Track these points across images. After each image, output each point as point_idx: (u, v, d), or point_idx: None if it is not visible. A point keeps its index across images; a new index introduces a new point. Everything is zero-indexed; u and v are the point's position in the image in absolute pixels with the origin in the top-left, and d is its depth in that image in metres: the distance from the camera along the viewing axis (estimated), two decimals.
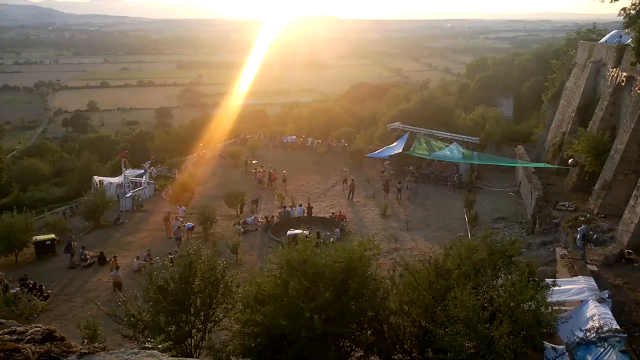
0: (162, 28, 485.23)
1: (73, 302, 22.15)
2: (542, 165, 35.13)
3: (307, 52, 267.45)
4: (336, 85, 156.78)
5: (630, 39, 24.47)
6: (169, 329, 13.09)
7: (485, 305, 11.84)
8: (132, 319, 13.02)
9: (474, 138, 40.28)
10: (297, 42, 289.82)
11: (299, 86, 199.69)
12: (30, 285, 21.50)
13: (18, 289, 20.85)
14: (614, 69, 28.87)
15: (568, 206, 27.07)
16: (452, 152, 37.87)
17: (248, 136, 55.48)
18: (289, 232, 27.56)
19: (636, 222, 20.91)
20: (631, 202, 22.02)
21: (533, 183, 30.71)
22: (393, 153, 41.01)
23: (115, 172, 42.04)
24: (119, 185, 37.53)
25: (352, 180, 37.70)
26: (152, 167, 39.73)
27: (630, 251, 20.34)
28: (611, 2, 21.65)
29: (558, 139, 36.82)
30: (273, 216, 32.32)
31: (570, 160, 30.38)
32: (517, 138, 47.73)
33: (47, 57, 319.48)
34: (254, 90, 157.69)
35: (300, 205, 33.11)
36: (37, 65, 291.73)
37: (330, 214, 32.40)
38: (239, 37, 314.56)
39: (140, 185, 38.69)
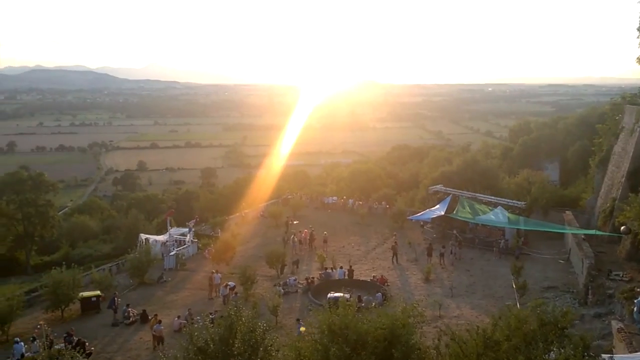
0: (210, 92, 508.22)
1: None
2: (592, 232, 33.87)
3: (348, 115, 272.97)
4: (377, 147, 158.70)
5: None
6: None
7: None
8: None
9: (519, 202, 39.38)
10: (337, 106, 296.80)
11: (339, 148, 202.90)
12: (74, 342, 21.78)
13: (62, 345, 21.14)
14: None
15: (622, 276, 25.85)
16: (497, 216, 37.09)
17: (289, 196, 56.07)
18: (329, 295, 27.20)
19: None
20: None
21: (584, 250, 29.56)
22: (435, 216, 40.52)
23: (161, 230, 42.93)
24: (164, 244, 38.23)
25: (395, 242, 37.25)
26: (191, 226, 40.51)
27: None
28: None
29: (608, 204, 35.66)
30: (313, 278, 32.07)
31: (622, 228, 29.21)
32: (565, 203, 46.44)
33: (101, 119, 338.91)
34: (296, 151, 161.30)
35: (341, 268, 32.71)
36: (92, 126, 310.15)
37: (372, 277, 31.87)
38: (282, 101, 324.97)
39: (184, 244, 39.31)
